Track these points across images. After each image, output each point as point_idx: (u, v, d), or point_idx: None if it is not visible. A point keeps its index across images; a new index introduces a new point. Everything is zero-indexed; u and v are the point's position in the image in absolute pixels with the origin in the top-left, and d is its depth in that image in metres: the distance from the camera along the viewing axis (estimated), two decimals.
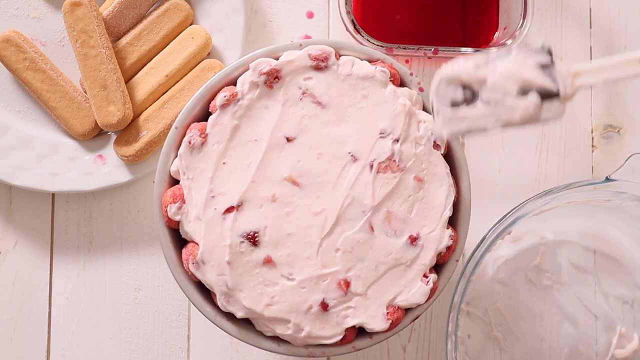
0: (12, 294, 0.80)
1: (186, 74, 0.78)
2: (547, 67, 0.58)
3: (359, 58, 0.67)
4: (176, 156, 0.65)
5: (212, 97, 0.66)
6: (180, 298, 0.80)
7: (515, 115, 0.58)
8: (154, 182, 0.67)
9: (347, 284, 0.63)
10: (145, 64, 0.79)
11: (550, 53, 0.58)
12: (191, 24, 0.79)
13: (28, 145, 0.78)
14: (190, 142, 0.64)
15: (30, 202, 0.81)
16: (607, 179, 0.70)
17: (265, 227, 0.63)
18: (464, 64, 0.59)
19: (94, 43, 0.76)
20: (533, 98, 0.57)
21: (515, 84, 0.57)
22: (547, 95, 0.58)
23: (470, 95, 0.59)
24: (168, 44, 0.79)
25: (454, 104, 0.59)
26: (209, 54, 0.79)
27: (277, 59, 0.66)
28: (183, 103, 0.76)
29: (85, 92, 0.78)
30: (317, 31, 0.82)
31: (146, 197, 0.81)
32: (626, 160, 0.69)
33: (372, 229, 0.64)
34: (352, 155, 0.64)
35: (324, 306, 0.63)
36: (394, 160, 0.64)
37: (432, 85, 0.60)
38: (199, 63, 0.78)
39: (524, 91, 0.58)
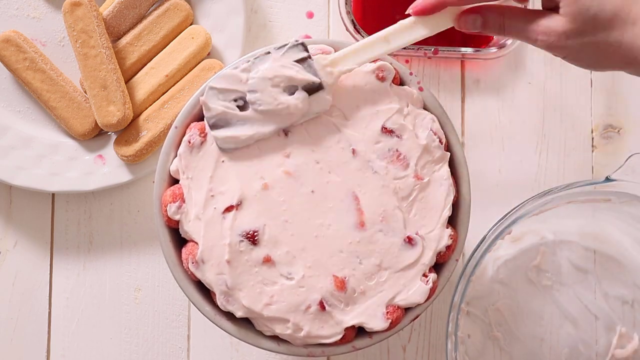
0: (12, 294, 0.80)
1: (186, 74, 0.78)
2: (305, 62, 0.62)
3: None
4: (176, 156, 0.65)
5: None
6: (180, 298, 0.80)
7: (289, 112, 0.61)
8: (154, 182, 0.67)
9: (345, 283, 0.63)
10: (145, 64, 0.79)
11: (305, 48, 0.62)
12: (191, 24, 0.79)
13: (28, 145, 0.78)
14: (189, 142, 0.64)
15: (30, 202, 0.81)
16: (607, 179, 0.70)
17: (264, 226, 0.63)
18: (231, 71, 0.62)
19: (94, 43, 0.76)
20: (299, 94, 0.61)
21: (279, 83, 0.61)
22: (312, 89, 0.62)
23: (241, 104, 0.62)
24: (168, 44, 0.79)
25: (226, 120, 0.62)
26: (209, 54, 0.79)
27: None
28: (183, 103, 0.76)
29: (85, 92, 0.78)
30: (317, 31, 0.82)
31: (146, 197, 0.81)
32: (626, 160, 0.69)
33: (371, 227, 0.64)
34: (352, 152, 0.64)
35: (323, 305, 0.63)
36: (394, 159, 0.64)
37: (202, 100, 0.62)
38: (199, 63, 0.78)
39: (289, 89, 0.61)
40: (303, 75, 0.61)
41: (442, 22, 0.62)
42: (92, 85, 0.76)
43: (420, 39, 0.62)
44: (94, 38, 0.76)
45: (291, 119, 0.62)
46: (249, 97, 0.62)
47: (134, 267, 0.80)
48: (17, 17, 0.80)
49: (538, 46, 0.59)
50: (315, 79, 0.61)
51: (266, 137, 0.63)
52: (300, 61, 0.62)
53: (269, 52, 0.62)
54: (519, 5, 0.62)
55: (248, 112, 0.62)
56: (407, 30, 0.62)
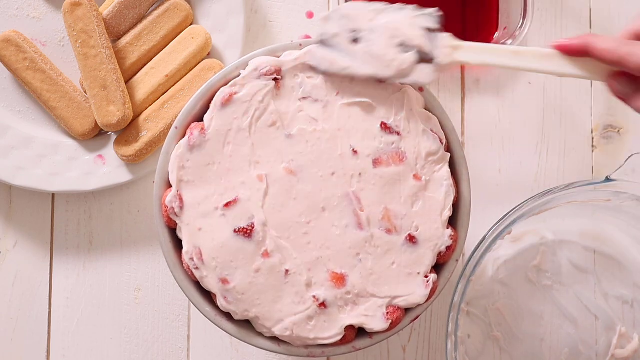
0: (12, 294, 0.80)
1: (186, 74, 0.78)
2: (432, 33, 0.61)
3: None
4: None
5: (212, 97, 0.66)
6: (180, 298, 0.80)
7: (391, 65, 0.61)
8: (154, 182, 0.67)
9: (345, 279, 0.63)
10: (145, 64, 0.79)
11: (439, 20, 0.62)
12: (191, 24, 0.79)
13: (28, 145, 0.78)
14: (190, 142, 0.64)
15: (30, 202, 0.81)
16: (607, 179, 0.70)
17: (263, 224, 0.63)
18: (364, 5, 0.62)
19: (94, 43, 0.76)
20: (411, 55, 0.61)
21: (398, 37, 0.61)
22: (424, 59, 0.61)
23: (354, 38, 0.62)
24: (168, 44, 0.79)
25: (333, 44, 0.62)
26: (209, 54, 0.79)
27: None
28: (183, 103, 0.76)
29: (85, 92, 0.78)
30: (317, 31, 0.82)
31: (146, 197, 0.81)
32: (626, 160, 0.69)
33: (371, 227, 0.64)
34: (352, 151, 0.64)
35: (323, 304, 0.63)
36: (394, 157, 0.64)
37: (324, 15, 0.63)
38: (199, 63, 0.78)
39: (404, 48, 0.61)
40: (422, 41, 0.61)
41: (588, 70, 0.59)
42: (92, 85, 0.76)
43: (557, 75, 0.60)
44: (94, 38, 0.76)
45: (389, 72, 0.62)
46: (365, 34, 0.62)
47: (134, 267, 0.80)
48: (17, 17, 0.80)
49: None
50: (430, 50, 0.61)
51: (358, 76, 0.63)
52: (427, 30, 0.62)
53: (403, 8, 0.62)
54: None
55: (356, 47, 0.62)
56: (541, 58, 0.60)
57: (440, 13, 0.62)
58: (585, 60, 0.59)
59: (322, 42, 0.63)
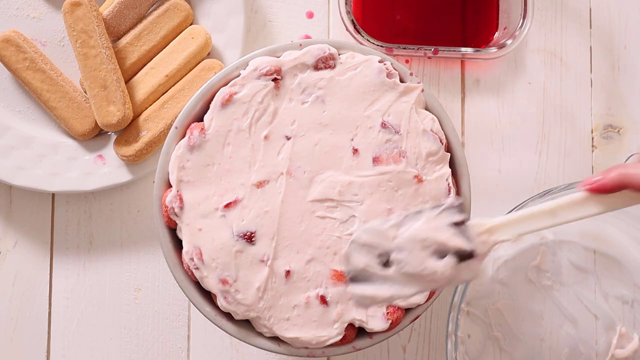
0: (12, 294, 0.80)
1: (186, 74, 0.78)
2: (460, 226, 0.56)
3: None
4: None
5: (212, 97, 0.66)
6: (180, 298, 0.80)
7: (435, 279, 0.55)
8: (154, 182, 0.67)
9: (344, 277, 0.63)
10: (145, 64, 0.79)
11: (462, 209, 0.57)
12: (191, 24, 0.79)
13: (28, 145, 0.78)
14: (190, 142, 0.64)
15: (30, 202, 0.81)
16: None
17: (262, 224, 0.63)
18: (380, 225, 0.57)
19: (94, 43, 0.76)
20: (449, 261, 0.55)
21: (430, 246, 0.55)
22: (463, 255, 0.56)
23: (385, 260, 0.56)
24: (168, 44, 0.79)
25: (366, 276, 0.56)
26: (209, 54, 0.79)
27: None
28: (183, 103, 0.76)
29: (85, 92, 0.78)
30: (317, 31, 0.82)
31: (146, 197, 0.81)
32: (626, 161, 0.69)
33: None
34: (352, 150, 0.64)
35: (323, 299, 0.63)
36: (394, 157, 0.64)
37: (344, 252, 0.58)
38: (199, 63, 0.78)
39: (439, 253, 0.55)
40: (456, 241, 0.56)
41: (621, 201, 0.56)
42: (92, 85, 0.76)
43: (592, 216, 0.57)
44: (94, 38, 0.76)
45: (436, 284, 0.56)
46: (394, 255, 0.56)
47: (134, 267, 0.80)
48: (17, 17, 0.80)
49: None
50: (468, 247, 0.56)
51: (404, 299, 0.58)
52: (455, 224, 0.56)
53: (421, 211, 0.57)
54: None
55: (390, 272, 0.56)
56: (577, 206, 0.56)
57: (461, 200, 0.57)
58: (622, 193, 0.55)
59: (353, 279, 0.56)
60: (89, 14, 0.76)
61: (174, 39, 0.79)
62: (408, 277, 0.56)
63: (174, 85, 0.78)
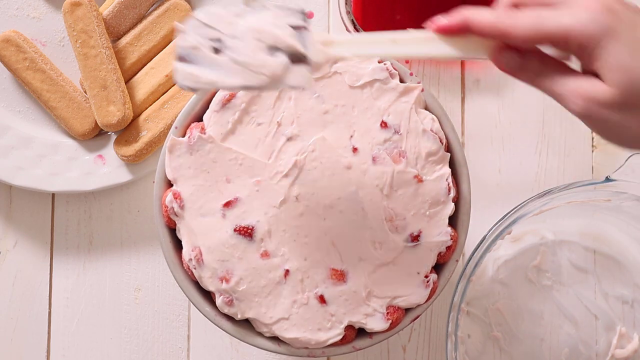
0: (12, 294, 0.80)
1: None
2: (300, 30, 0.55)
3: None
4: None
5: (212, 97, 0.66)
6: (180, 298, 0.80)
7: (261, 72, 0.54)
8: (154, 182, 0.67)
9: (345, 277, 0.63)
10: (145, 64, 0.79)
11: (306, 17, 0.55)
12: None
13: (28, 145, 0.78)
14: (189, 142, 0.64)
15: (30, 202, 0.81)
16: (607, 179, 0.70)
17: (262, 224, 0.63)
18: (222, 10, 0.55)
19: (94, 43, 0.76)
20: (281, 58, 0.54)
21: (265, 39, 0.54)
22: (296, 60, 0.55)
23: (218, 47, 0.55)
24: (168, 44, 0.79)
25: (194, 58, 0.55)
26: None
27: None
28: (183, 103, 0.76)
29: (85, 92, 0.78)
30: (317, 31, 0.82)
31: (146, 197, 0.81)
32: (626, 160, 0.69)
33: (372, 226, 0.64)
34: (353, 149, 0.64)
35: (322, 298, 0.63)
36: (395, 156, 0.64)
37: (181, 28, 0.56)
38: None
39: (273, 51, 0.54)
40: (292, 41, 0.55)
41: (470, 48, 0.54)
42: (92, 85, 0.76)
43: (438, 57, 0.56)
44: (94, 38, 0.76)
45: (260, 80, 0.55)
46: (228, 41, 0.55)
47: (134, 267, 0.80)
48: (17, 17, 0.80)
49: (572, 111, 0.52)
50: (303, 50, 0.54)
51: (227, 89, 0.57)
52: (295, 28, 0.55)
53: (266, 7, 0.56)
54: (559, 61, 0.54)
55: (220, 57, 0.55)
56: (421, 42, 0.55)
57: (309, 10, 0.57)
58: (467, 38, 0.54)
59: (182, 58, 0.55)
60: (89, 14, 0.76)
61: (174, 39, 0.79)
62: (236, 67, 0.55)
63: (174, 85, 0.78)
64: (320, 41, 0.55)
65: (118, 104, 0.76)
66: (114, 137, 0.79)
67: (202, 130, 0.64)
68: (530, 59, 0.53)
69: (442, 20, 0.54)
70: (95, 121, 0.78)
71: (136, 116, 0.78)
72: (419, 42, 0.55)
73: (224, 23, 0.55)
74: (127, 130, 0.77)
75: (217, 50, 0.55)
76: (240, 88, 0.55)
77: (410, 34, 0.55)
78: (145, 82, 0.78)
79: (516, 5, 0.53)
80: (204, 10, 0.56)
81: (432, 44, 0.55)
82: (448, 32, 0.54)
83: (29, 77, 0.77)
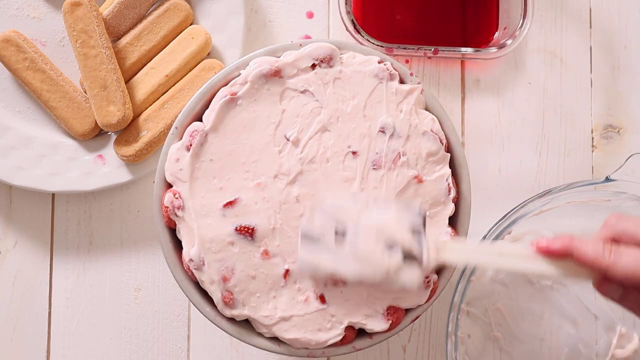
0: (12, 294, 0.80)
1: (186, 74, 0.78)
2: (417, 232, 0.59)
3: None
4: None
5: (212, 97, 0.66)
6: (180, 298, 0.80)
7: (379, 271, 0.58)
8: (154, 182, 0.67)
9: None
10: (145, 64, 0.79)
11: (424, 220, 0.59)
12: (191, 24, 0.79)
13: (28, 145, 0.78)
14: (189, 142, 0.64)
15: (30, 202, 0.81)
16: (607, 179, 0.70)
17: (262, 224, 0.63)
18: (346, 201, 0.59)
19: (94, 43, 0.76)
20: (396, 256, 0.58)
21: (386, 238, 0.58)
22: (409, 257, 0.58)
23: (340, 235, 0.59)
24: (168, 44, 0.79)
25: (317, 240, 0.59)
26: (209, 54, 0.79)
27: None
28: (183, 103, 0.76)
29: (85, 92, 0.78)
30: (317, 31, 0.82)
31: (146, 197, 0.81)
32: (626, 160, 0.69)
33: None
34: (352, 151, 0.64)
35: (323, 299, 0.63)
36: (395, 158, 0.64)
37: (308, 213, 0.60)
38: (199, 63, 0.78)
39: (391, 248, 0.58)
40: (409, 244, 0.58)
41: (571, 270, 0.57)
42: (92, 85, 0.76)
43: (541, 275, 0.59)
44: (94, 38, 0.76)
45: (375, 275, 0.58)
46: (351, 236, 0.59)
47: (134, 267, 0.80)
48: (17, 17, 0.80)
49: None
50: (419, 255, 0.58)
51: (342, 277, 0.59)
52: (414, 230, 0.59)
53: (390, 205, 0.60)
54: None
55: (340, 247, 0.59)
56: (524, 259, 0.58)
57: (426, 211, 0.61)
58: (568, 261, 0.57)
59: (306, 236, 0.59)
60: (89, 14, 0.76)
61: (174, 39, 0.79)
62: (353, 257, 0.58)
63: (174, 85, 0.78)
64: (433, 246, 0.59)
65: (118, 104, 0.76)
66: (114, 137, 0.79)
67: (202, 130, 0.64)
68: (631, 291, 0.55)
69: (543, 242, 0.57)
70: (95, 121, 0.78)
71: (136, 116, 0.78)
72: (524, 258, 0.58)
73: (349, 216, 0.59)
74: (127, 130, 0.77)
75: (339, 234, 0.59)
76: (355, 279, 0.59)
77: (517, 249, 0.58)
78: (145, 82, 0.78)
79: (615, 241, 0.55)
80: (333, 201, 0.60)
81: (536, 262, 0.57)
82: (550, 255, 0.57)
83: (29, 77, 0.77)
